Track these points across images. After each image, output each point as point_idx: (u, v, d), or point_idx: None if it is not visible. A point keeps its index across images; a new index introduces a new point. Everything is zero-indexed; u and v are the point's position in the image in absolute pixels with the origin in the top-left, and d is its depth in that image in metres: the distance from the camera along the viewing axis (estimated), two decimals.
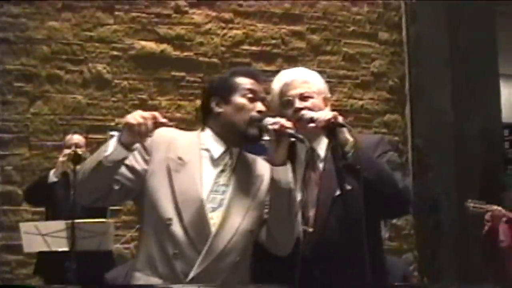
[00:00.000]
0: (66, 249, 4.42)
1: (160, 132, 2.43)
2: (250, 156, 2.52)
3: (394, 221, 6.79)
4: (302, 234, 2.48)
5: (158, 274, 2.33)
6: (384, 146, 2.60)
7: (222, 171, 2.42)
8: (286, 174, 2.35)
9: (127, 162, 2.33)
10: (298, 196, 2.52)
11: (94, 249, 4.52)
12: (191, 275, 2.28)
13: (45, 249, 4.54)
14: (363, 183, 2.23)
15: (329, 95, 2.68)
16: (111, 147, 2.21)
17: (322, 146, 2.58)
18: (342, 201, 2.30)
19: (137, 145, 2.34)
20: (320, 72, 2.74)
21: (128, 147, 2.22)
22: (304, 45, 6.80)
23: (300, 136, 2.29)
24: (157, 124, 2.22)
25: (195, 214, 2.32)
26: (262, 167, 2.46)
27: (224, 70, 5.98)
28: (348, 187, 2.31)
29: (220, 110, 2.45)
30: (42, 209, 5.35)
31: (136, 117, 2.18)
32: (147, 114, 2.21)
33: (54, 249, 4.49)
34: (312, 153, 2.59)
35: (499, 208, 5.45)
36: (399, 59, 7.33)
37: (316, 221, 2.48)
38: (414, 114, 7.33)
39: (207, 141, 2.45)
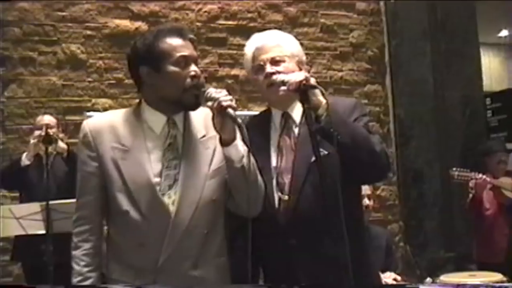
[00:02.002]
0: (42, 231, 4.34)
1: (97, 121, 2.38)
2: (198, 118, 2.38)
3: (378, 192, 6.78)
4: (278, 202, 2.42)
5: (129, 265, 2.29)
6: (361, 109, 2.52)
7: (170, 144, 2.32)
8: (236, 151, 2.23)
9: (82, 172, 2.33)
10: (273, 163, 2.46)
11: (71, 230, 4.39)
12: (161, 260, 2.23)
13: (21, 232, 4.44)
14: (339, 147, 2.15)
15: (304, 59, 2.59)
16: None
17: (297, 111, 2.50)
18: (317, 167, 2.20)
19: (81, 147, 2.34)
20: None
21: None
22: (281, 18, 6.73)
23: (239, 120, 2.14)
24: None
25: (150, 200, 2.25)
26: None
27: (200, 46, 5.87)
28: (324, 152, 2.23)
29: (152, 81, 2.29)
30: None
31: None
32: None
33: (30, 232, 4.40)
34: (287, 118, 2.51)
35: (484, 176, 5.42)
36: (378, 29, 7.27)
37: (291, 189, 2.40)
38: (395, 85, 7.29)
39: (146, 115, 2.34)
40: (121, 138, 2.30)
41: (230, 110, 2.16)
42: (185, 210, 2.25)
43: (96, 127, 2.34)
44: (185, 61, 2.28)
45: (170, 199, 2.25)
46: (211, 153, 2.34)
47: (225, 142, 2.24)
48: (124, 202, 2.26)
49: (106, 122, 2.36)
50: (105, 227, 2.42)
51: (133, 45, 2.36)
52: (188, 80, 2.27)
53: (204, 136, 2.36)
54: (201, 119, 2.38)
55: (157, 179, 2.26)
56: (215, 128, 2.24)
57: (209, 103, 2.21)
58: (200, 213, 2.27)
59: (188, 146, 2.33)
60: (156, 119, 2.33)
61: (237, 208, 2.34)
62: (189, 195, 2.27)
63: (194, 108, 2.33)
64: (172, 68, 2.27)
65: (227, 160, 2.25)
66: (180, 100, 2.28)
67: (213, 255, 2.33)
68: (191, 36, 2.37)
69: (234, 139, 2.24)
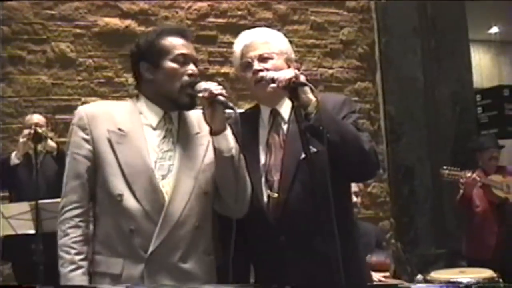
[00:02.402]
0: (32, 231, 4.31)
1: (93, 106, 2.41)
2: (194, 116, 2.42)
3: (369, 189, 6.79)
4: (267, 199, 2.41)
5: (117, 254, 2.24)
6: (350, 106, 2.52)
7: (165, 137, 2.34)
8: (226, 141, 2.28)
9: (74, 155, 2.30)
10: (262, 160, 2.45)
11: None
12: (151, 248, 2.21)
13: (10, 232, 4.41)
14: (328, 145, 2.14)
15: (292, 56, 2.58)
16: None
17: (286, 108, 2.50)
18: (306, 165, 2.20)
19: (75, 129, 2.31)
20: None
21: None
22: (271, 15, 6.72)
23: (230, 104, 2.22)
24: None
25: (146, 184, 2.24)
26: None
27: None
28: (314, 150, 2.23)
29: (150, 76, 2.35)
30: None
31: None
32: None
33: (19, 232, 4.37)
34: (276, 115, 2.51)
35: (474, 175, 5.44)
36: (368, 26, 7.26)
37: (280, 186, 2.40)
38: (385, 82, 7.30)
39: (143, 109, 2.37)
40: (118, 123, 2.31)
41: (220, 97, 2.21)
42: (178, 200, 2.26)
43: (92, 112, 2.34)
44: (184, 59, 2.34)
45: (164, 189, 2.25)
46: (204, 148, 2.36)
47: (215, 132, 2.28)
48: (118, 186, 2.23)
49: (102, 108, 2.39)
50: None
51: (136, 42, 2.42)
52: (185, 77, 2.32)
53: (198, 133, 2.39)
54: (195, 118, 2.41)
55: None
56: (205, 119, 2.29)
57: (200, 94, 2.26)
58: (192, 204, 2.28)
59: (183, 140, 2.35)
60: (153, 112, 2.36)
61: (223, 208, 2.36)
62: (182, 186, 2.27)
63: (189, 108, 2.37)
64: (170, 64, 2.32)
65: (217, 150, 2.28)
66: (176, 99, 2.32)
67: (202, 251, 2.33)
68: (192, 35, 2.44)
69: (224, 129, 2.28)
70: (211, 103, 2.24)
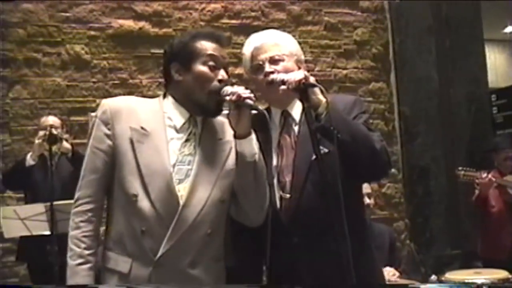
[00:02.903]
0: (47, 232, 4.35)
1: (118, 101, 2.38)
2: (217, 121, 2.41)
3: (383, 189, 6.77)
4: (279, 200, 2.41)
5: (127, 253, 2.24)
6: (361, 106, 2.52)
7: (187, 140, 2.32)
8: (250, 146, 2.26)
9: (94, 149, 2.29)
10: (274, 162, 2.45)
11: None
12: (160, 252, 2.20)
13: (25, 233, 4.46)
14: (339, 145, 2.14)
15: (302, 58, 2.59)
16: None
17: (297, 109, 2.50)
18: (318, 166, 2.20)
19: (97, 122, 2.30)
20: (302, 43, 2.65)
21: None
22: (285, 16, 6.71)
23: (260, 107, 2.21)
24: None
25: (162, 187, 2.22)
26: (231, 133, 2.33)
27: None
28: (324, 150, 2.23)
29: (180, 78, 2.34)
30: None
31: None
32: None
33: (35, 233, 4.41)
34: (287, 117, 2.52)
35: (489, 176, 5.42)
36: (382, 26, 7.25)
37: (292, 187, 2.40)
38: (399, 82, 7.28)
39: (169, 109, 2.35)
40: (141, 121, 2.29)
41: (249, 101, 2.19)
42: (193, 206, 2.24)
43: (116, 106, 2.32)
44: (215, 64, 2.32)
45: (179, 194, 2.24)
46: (225, 155, 2.34)
47: (240, 136, 2.26)
48: (134, 186, 2.22)
49: (126, 103, 2.37)
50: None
51: (170, 42, 2.42)
52: (215, 83, 2.30)
53: (220, 139, 2.37)
54: (219, 123, 2.40)
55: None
56: (230, 124, 2.27)
57: (227, 97, 2.24)
58: (207, 211, 2.26)
59: (204, 145, 2.33)
60: (178, 113, 2.34)
61: (241, 216, 2.35)
62: (198, 192, 2.25)
63: (215, 114, 2.35)
64: (201, 68, 2.31)
65: (239, 154, 2.26)
66: (204, 104, 2.30)
67: (212, 258, 2.31)
68: (227, 41, 2.45)
69: (249, 134, 2.26)
70: (238, 107, 2.22)
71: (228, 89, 2.26)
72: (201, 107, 2.32)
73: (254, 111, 2.22)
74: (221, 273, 2.37)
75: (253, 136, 2.28)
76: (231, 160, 2.33)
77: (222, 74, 2.32)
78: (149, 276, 2.20)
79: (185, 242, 2.22)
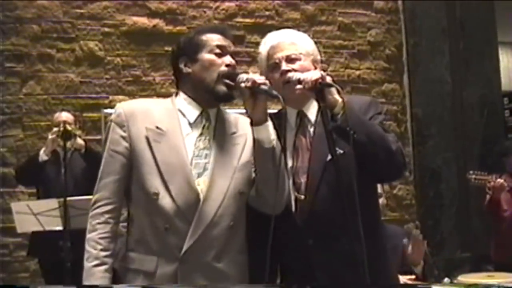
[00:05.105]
0: (59, 228, 4.36)
1: (132, 104, 2.42)
2: (230, 117, 2.44)
3: (394, 191, 6.75)
4: (294, 201, 2.41)
5: (152, 251, 2.25)
6: (376, 107, 2.51)
7: (201, 134, 2.34)
8: (267, 132, 2.26)
9: (111, 152, 2.31)
10: (289, 163, 2.44)
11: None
12: (185, 247, 2.21)
13: (38, 228, 4.47)
14: (355, 146, 2.14)
15: (318, 57, 2.58)
16: None
17: (313, 110, 2.50)
18: (333, 166, 2.20)
19: (113, 125, 2.33)
20: (315, 43, 2.63)
21: None
22: (299, 16, 6.71)
23: (274, 92, 2.19)
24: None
25: (182, 183, 2.24)
26: (245, 125, 2.35)
27: None
28: (340, 151, 2.22)
29: (189, 70, 2.38)
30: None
31: None
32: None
33: (47, 228, 4.43)
34: (302, 117, 2.51)
35: (501, 180, 5.39)
36: (396, 27, 7.22)
37: (307, 188, 2.40)
38: (412, 84, 7.25)
39: (182, 105, 2.38)
40: (156, 121, 2.32)
41: (264, 86, 2.21)
42: (213, 199, 2.26)
43: (130, 109, 2.36)
44: (221, 51, 2.36)
45: (199, 188, 2.26)
46: (240, 148, 2.36)
47: (256, 123, 2.26)
48: (154, 184, 2.24)
49: (141, 106, 2.40)
50: (125, 214, 2.39)
51: (177, 42, 2.47)
52: (223, 67, 2.34)
53: (234, 132, 2.39)
54: (232, 119, 2.43)
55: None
56: (246, 111, 2.28)
57: (243, 84, 2.25)
58: (227, 204, 2.28)
59: (219, 139, 2.35)
60: (191, 109, 2.37)
61: (261, 203, 2.33)
62: (218, 185, 2.27)
63: (226, 99, 2.37)
64: (207, 56, 2.35)
65: (257, 141, 2.26)
66: (213, 89, 2.32)
67: (235, 251, 2.33)
68: (231, 34, 2.48)
69: (265, 120, 2.26)
70: (253, 93, 2.23)
71: (243, 76, 2.28)
72: (211, 93, 2.34)
73: (268, 95, 2.23)
74: (245, 265, 2.37)
75: (270, 122, 2.28)
76: (247, 153, 2.34)
77: (228, 59, 2.36)
78: (175, 272, 2.21)
79: (208, 236, 2.23)
